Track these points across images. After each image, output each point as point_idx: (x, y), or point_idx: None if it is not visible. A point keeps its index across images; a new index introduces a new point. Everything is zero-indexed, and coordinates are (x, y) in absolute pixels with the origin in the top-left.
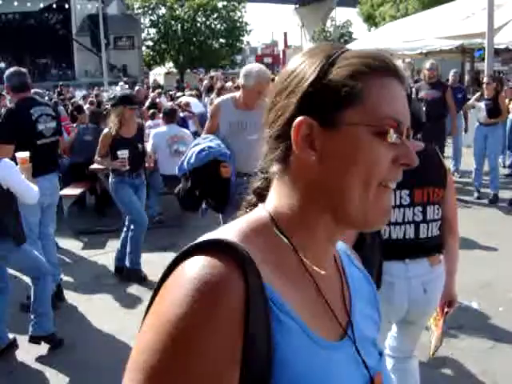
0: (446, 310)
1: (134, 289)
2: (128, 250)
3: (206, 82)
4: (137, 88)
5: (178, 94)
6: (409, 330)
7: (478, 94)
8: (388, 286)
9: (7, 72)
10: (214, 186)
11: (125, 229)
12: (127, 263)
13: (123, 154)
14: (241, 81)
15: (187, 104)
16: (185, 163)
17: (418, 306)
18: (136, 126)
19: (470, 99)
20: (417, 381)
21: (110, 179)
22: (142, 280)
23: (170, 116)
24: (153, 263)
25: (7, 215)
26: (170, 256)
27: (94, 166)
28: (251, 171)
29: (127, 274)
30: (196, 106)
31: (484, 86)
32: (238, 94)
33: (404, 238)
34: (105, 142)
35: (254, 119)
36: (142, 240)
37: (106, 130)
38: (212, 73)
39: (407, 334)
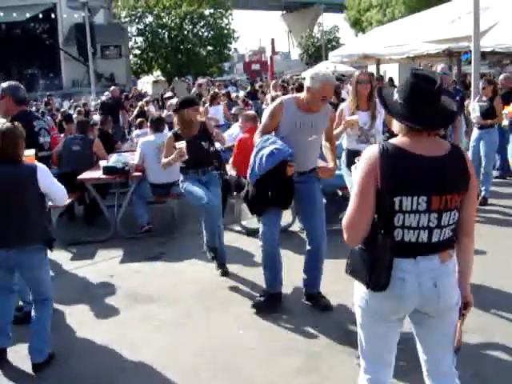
0: (462, 312)
1: (123, 299)
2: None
3: (194, 89)
4: (112, 88)
5: (168, 94)
6: (427, 324)
7: (477, 96)
8: (399, 281)
9: (11, 84)
10: (282, 186)
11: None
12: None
13: (180, 144)
14: (307, 83)
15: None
16: (256, 169)
17: (431, 301)
18: (198, 127)
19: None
20: None
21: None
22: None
23: (158, 124)
24: (142, 273)
25: (41, 219)
26: (159, 265)
27: (82, 176)
28: (306, 170)
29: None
30: None
31: (481, 87)
32: (300, 95)
33: (417, 241)
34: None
35: (314, 121)
36: (216, 222)
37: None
38: (200, 80)
39: (428, 330)
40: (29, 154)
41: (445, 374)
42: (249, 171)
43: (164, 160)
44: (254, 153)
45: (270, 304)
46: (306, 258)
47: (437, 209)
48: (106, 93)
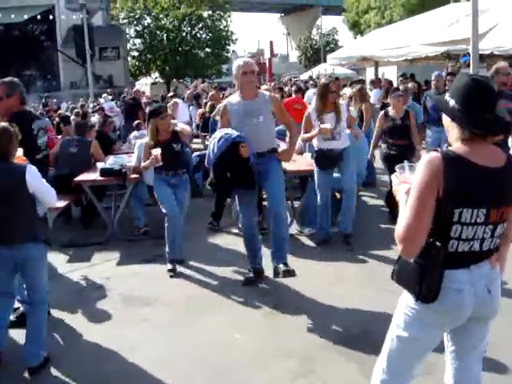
0: None
1: (120, 302)
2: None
3: (189, 91)
4: (135, 88)
5: (169, 94)
6: (470, 330)
7: None
8: (456, 293)
9: (16, 80)
10: (238, 167)
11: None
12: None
13: (155, 151)
14: (233, 74)
15: (175, 105)
16: (211, 155)
17: (485, 307)
18: (170, 132)
19: None
20: None
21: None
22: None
23: None
24: (139, 275)
25: (36, 218)
26: (156, 267)
27: (79, 177)
28: (264, 151)
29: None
30: (182, 112)
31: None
32: (237, 91)
33: (469, 250)
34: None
35: (255, 105)
36: (180, 229)
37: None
38: (198, 83)
39: (468, 335)
40: (18, 154)
41: (473, 382)
42: (206, 159)
43: (142, 164)
44: (210, 140)
45: (255, 278)
46: (270, 226)
47: (493, 221)
48: (104, 95)
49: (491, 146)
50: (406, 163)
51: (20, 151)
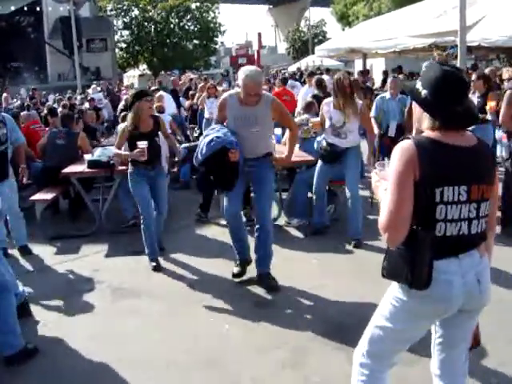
0: None
1: (108, 294)
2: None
3: (185, 83)
4: (172, 78)
5: (152, 87)
6: (459, 321)
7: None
8: (446, 283)
9: None
10: (224, 171)
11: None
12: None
13: (142, 144)
14: (239, 79)
15: (160, 97)
16: (199, 155)
17: (475, 298)
18: (152, 121)
19: None
20: None
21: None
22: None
23: None
24: (128, 267)
25: None
26: (145, 259)
27: (66, 169)
28: (258, 156)
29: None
30: (168, 104)
31: (472, 83)
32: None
33: (458, 234)
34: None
35: (255, 114)
36: (152, 229)
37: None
38: (191, 75)
39: (457, 326)
40: None
41: (459, 373)
42: (194, 157)
43: (117, 151)
44: (201, 139)
45: (243, 269)
46: (255, 237)
47: (476, 199)
48: (93, 86)
49: (462, 131)
50: (385, 160)
51: None
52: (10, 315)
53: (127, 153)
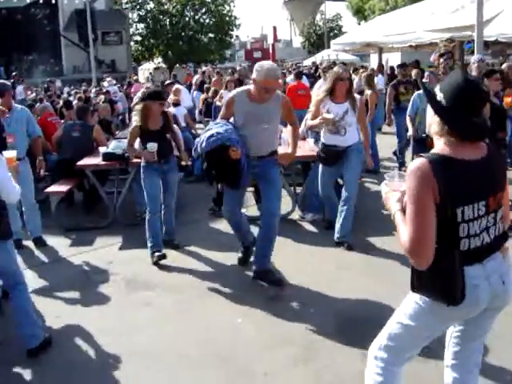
0: None
1: (122, 286)
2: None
3: (197, 76)
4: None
5: (167, 81)
6: (481, 319)
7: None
8: (473, 288)
9: None
10: (225, 167)
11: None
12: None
13: (152, 147)
14: (253, 75)
15: (177, 91)
16: (198, 147)
17: (498, 298)
18: (161, 118)
19: None
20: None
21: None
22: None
23: None
24: (141, 259)
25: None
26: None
27: (81, 162)
28: (264, 155)
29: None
30: (185, 97)
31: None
32: (251, 87)
33: (481, 244)
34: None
35: (265, 111)
36: (157, 225)
37: (133, 124)
38: (203, 68)
39: (478, 323)
40: (9, 155)
41: (473, 364)
42: (194, 146)
43: (130, 147)
44: (203, 131)
45: (246, 256)
46: (258, 232)
47: (494, 209)
48: (109, 78)
49: (476, 143)
50: (395, 171)
51: (12, 153)
52: (29, 307)
53: (139, 150)
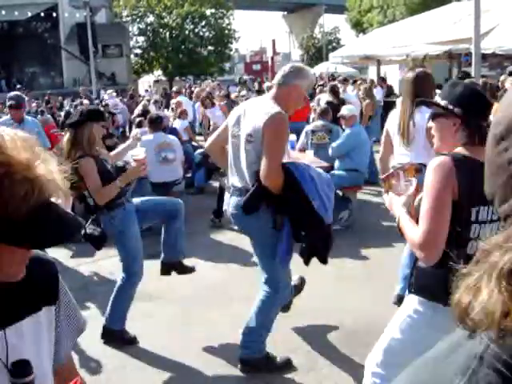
0: None
1: None
2: None
3: (197, 89)
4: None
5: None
6: None
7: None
8: None
9: None
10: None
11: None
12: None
13: (140, 153)
14: (290, 80)
15: (179, 103)
16: (324, 215)
17: None
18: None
19: None
20: None
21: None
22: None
23: (156, 124)
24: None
25: None
26: (159, 263)
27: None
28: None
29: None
30: (188, 110)
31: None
32: (277, 105)
33: None
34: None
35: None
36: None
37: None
38: (206, 82)
39: None
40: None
41: None
42: (321, 208)
43: (106, 189)
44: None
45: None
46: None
47: None
48: (109, 91)
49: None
50: (400, 173)
51: None
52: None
53: (121, 178)
